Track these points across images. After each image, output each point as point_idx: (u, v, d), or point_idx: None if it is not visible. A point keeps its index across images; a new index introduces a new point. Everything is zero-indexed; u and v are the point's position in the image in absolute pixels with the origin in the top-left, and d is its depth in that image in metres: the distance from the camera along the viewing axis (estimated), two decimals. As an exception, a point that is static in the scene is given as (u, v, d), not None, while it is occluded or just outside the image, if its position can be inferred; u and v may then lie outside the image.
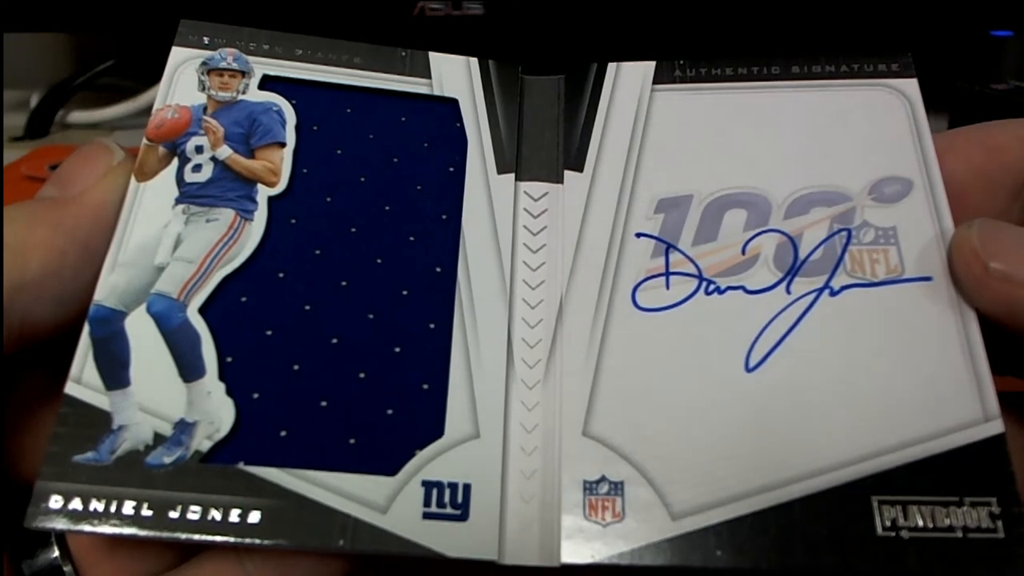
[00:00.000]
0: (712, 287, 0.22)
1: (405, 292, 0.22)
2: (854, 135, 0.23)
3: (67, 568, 0.20)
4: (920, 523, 0.18)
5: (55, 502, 0.18)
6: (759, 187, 0.23)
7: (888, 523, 0.18)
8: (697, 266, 0.22)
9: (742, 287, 0.22)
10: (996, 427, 0.19)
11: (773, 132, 0.24)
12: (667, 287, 0.22)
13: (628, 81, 0.25)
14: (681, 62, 0.25)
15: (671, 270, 0.22)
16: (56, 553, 0.20)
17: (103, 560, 0.20)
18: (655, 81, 0.25)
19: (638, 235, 0.23)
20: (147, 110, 0.53)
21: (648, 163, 0.24)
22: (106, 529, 0.18)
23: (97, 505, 0.18)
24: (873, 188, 0.23)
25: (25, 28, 0.47)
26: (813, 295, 0.21)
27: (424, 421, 0.20)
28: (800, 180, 0.23)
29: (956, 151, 0.23)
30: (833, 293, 0.21)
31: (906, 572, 0.18)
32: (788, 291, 0.21)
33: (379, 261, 0.22)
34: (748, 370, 0.20)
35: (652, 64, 0.25)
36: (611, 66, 0.25)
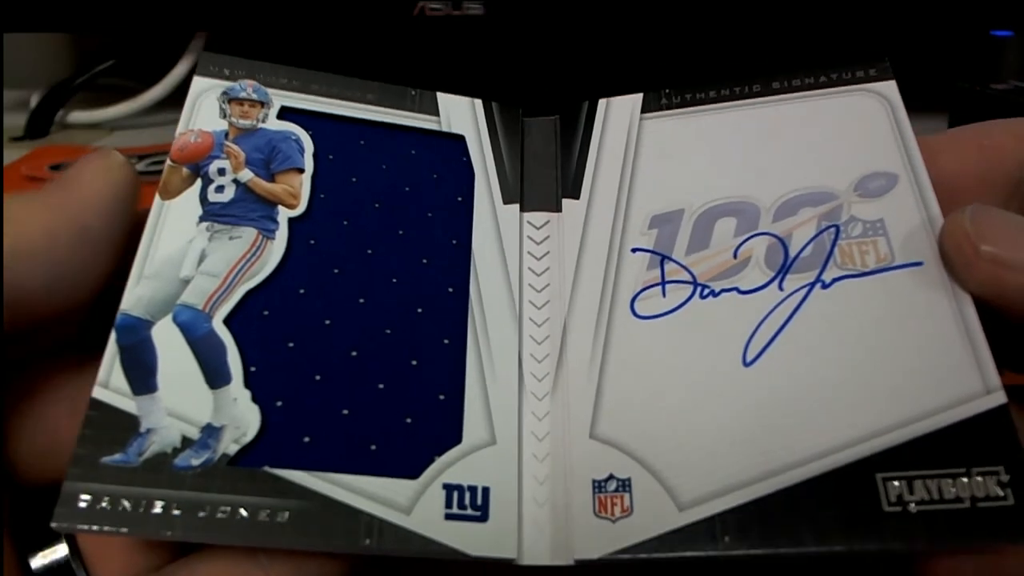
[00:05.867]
0: (707, 291, 0.23)
1: (420, 310, 0.23)
2: (838, 138, 0.24)
3: (75, 562, 0.20)
4: (926, 496, 0.18)
5: (83, 502, 0.19)
6: (747, 195, 0.24)
7: (894, 498, 0.19)
8: (691, 273, 0.23)
9: (735, 288, 0.22)
10: (999, 398, 0.19)
11: (759, 143, 0.25)
12: (663, 295, 0.23)
13: (618, 114, 0.27)
14: (667, 91, 0.27)
15: (666, 279, 0.23)
16: (64, 545, 0.20)
17: (111, 552, 0.20)
18: (643, 111, 0.27)
19: (634, 250, 0.24)
20: (147, 110, 0.53)
21: (640, 185, 0.25)
22: (135, 530, 0.19)
23: (126, 505, 0.19)
24: (858, 185, 0.23)
25: (25, 28, 0.47)
26: (805, 289, 0.22)
27: (442, 428, 0.21)
28: (787, 184, 0.24)
29: (951, 151, 0.23)
30: (825, 286, 0.22)
31: (916, 544, 0.18)
32: (780, 288, 0.22)
33: (394, 281, 0.24)
34: (746, 364, 0.21)
35: (639, 96, 0.27)
36: (601, 102, 0.27)
